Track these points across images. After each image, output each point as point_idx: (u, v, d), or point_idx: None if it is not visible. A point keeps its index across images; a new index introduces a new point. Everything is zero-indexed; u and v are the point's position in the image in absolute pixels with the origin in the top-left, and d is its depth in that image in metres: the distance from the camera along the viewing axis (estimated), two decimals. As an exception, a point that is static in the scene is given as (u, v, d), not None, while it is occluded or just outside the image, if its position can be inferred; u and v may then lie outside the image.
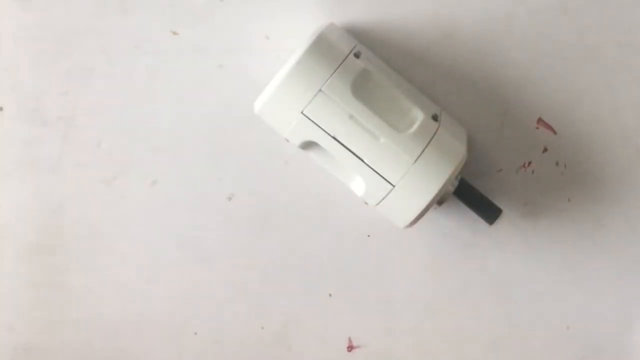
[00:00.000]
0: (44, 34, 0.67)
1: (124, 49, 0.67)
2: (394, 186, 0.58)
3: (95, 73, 0.67)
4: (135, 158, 0.68)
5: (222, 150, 0.68)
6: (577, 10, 0.66)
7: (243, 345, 0.71)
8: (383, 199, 0.59)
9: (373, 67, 0.60)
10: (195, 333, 0.70)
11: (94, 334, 0.71)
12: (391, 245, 0.69)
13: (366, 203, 0.60)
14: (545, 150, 0.68)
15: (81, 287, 0.70)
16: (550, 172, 0.68)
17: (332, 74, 0.57)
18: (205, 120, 0.68)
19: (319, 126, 0.58)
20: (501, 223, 0.68)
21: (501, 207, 0.66)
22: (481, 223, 0.66)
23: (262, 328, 0.70)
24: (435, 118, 0.61)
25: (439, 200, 0.62)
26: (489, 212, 0.65)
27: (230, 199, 0.69)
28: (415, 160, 0.58)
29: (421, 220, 0.60)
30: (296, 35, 0.65)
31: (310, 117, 0.57)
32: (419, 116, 0.60)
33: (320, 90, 0.57)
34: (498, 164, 0.68)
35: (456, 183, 0.64)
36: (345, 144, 0.58)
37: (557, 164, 0.68)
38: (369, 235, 0.69)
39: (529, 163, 0.68)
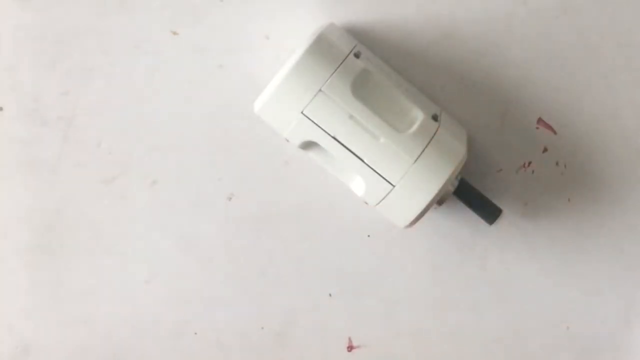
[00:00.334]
0: (44, 34, 0.67)
1: (124, 49, 0.67)
2: (394, 186, 0.58)
3: (95, 73, 0.67)
4: (135, 158, 0.68)
5: (222, 150, 0.68)
6: (577, 10, 0.66)
7: (243, 345, 0.71)
8: (383, 199, 0.59)
9: (373, 67, 0.60)
10: (195, 333, 0.70)
11: (94, 334, 0.70)
12: (391, 245, 0.69)
13: (366, 203, 0.60)
14: (545, 150, 0.68)
15: (81, 287, 0.70)
16: (550, 172, 0.68)
17: (332, 74, 0.57)
18: (205, 120, 0.68)
19: (319, 126, 0.58)
20: (501, 223, 0.68)
21: (501, 207, 0.66)
22: (481, 223, 0.66)
23: (262, 328, 0.70)
24: (435, 118, 0.61)
25: (439, 200, 0.62)
26: (489, 212, 0.65)
27: (230, 199, 0.69)
28: (415, 160, 0.58)
29: (421, 220, 0.60)
30: (296, 35, 0.65)
31: (310, 117, 0.57)
32: (419, 116, 0.60)
33: (320, 90, 0.57)
34: (498, 164, 0.68)
35: (456, 183, 0.64)
36: (345, 144, 0.58)
37: (557, 164, 0.68)
38: (369, 235, 0.69)
39: (529, 163, 0.68)
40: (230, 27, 0.66)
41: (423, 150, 0.58)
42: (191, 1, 0.66)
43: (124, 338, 0.71)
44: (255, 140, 0.67)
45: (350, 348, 0.70)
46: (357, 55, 0.60)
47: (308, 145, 0.59)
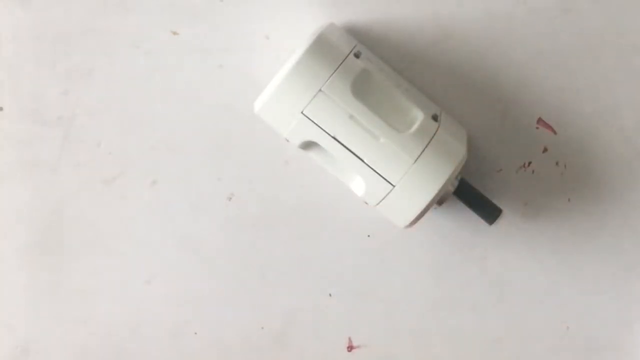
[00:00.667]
0: (44, 34, 0.67)
1: (124, 49, 0.67)
2: (394, 186, 0.58)
3: (95, 73, 0.67)
4: (135, 158, 0.68)
5: (222, 150, 0.68)
6: (577, 10, 0.66)
7: (243, 345, 0.71)
8: (383, 199, 0.59)
9: (373, 67, 0.60)
10: (195, 333, 0.70)
11: (94, 334, 0.70)
12: (391, 245, 0.69)
13: (366, 203, 0.60)
14: (545, 150, 0.68)
15: (81, 287, 0.70)
16: (550, 172, 0.68)
17: (332, 74, 0.57)
18: (205, 120, 0.68)
19: (319, 126, 0.58)
20: (501, 223, 0.68)
21: (501, 207, 0.66)
22: (481, 223, 0.66)
23: (262, 328, 0.70)
24: (435, 118, 0.61)
25: (439, 200, 0.62)
26: (489, 212, 0.65)
27: (230, 199, 0.69)
28: (415, 160, 0.58)
29: (421, 220, 0.60)
30: (296, 35, 0.65)
31: (310, 117, 0.57)
32: (419, 116, 0.60)
33: (320, 90, 0.57)
34: (498, 164, 0.68)
35: (456, 183, 0.64)
36: (345, 144, 0.58)
37: (557, 164, 0.68)
38: (369, 235, 0.69)
39: (529, 163, 0.68)
40: (230, 27, 0.66)
41: (423, 150, 0.58)
42: (191, 1, 0.66)
43: (124, 338, 0.71)
44: (255, 140, 0.67)
45: (350, 348, 0.70)
46: (357, 55, 0.60)
47: (308, 145, 0.59)
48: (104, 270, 0.70)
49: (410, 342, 0.70)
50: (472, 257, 0.69)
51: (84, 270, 0.70)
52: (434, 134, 0.59)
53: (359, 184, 0.59)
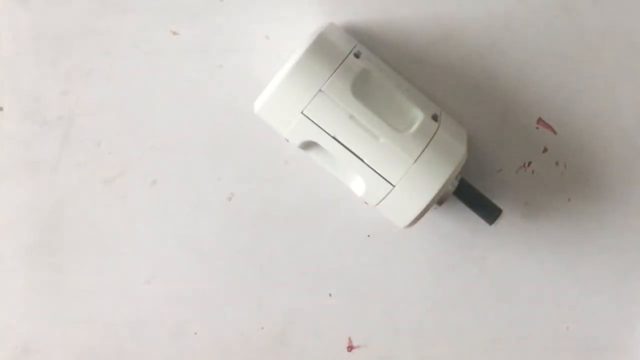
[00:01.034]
0: (44, 34, 0.67)
1: (124, 49, 0.67)
2: (394, 186, 0.58)
3: (95, 73, 0.67)
4: (135, 158, 0.68)
5: (222, 150, 0.68)
6: (577, 10, 0.66)
7: (243, 345, 0.71)
8: (383, 199, 0.59)
9: (373, 67, 0.60)
10: (195, 333, 0.70)
11: (94, 334, 0.71)
12: (391, 245, 0.69)
13: (366, 203, 0.60)
14: (545, 150, 0.68)
15: (81, 287, 0.70)
16: (550, 172, 0.68)
17: (332, 74, 0.57)
18: (205, 120, 0.68)
19: (319, 126, 0.58)
20: (501, 223, 0.68)
21: (501, 207, 0.66)
22: (481, 223, 0.66)
23: (262, 328, 0.70)
24: (435, 118, 0.61)
25: (439, 200, 0.62)
26: (489, 212, 0.65)
27: (230, 199, 0.69)
28: (415, 160, 0.58)
29: (421, 220, 0.60)
30: (296, 35, 0.65)
31: (310, 117, 0.57)
32: (419, 116, 0.60)
33: (320, 90, 0.57)
34: (498, 164, 0.68)
35: (456, 183, 0.64)
36: (345, 144, 0.58)
37: (557, 164, 0.68)
38: (369, 235, 0.69)
39: (529, 163, 0.68)
40: (230, 27, 0.66)
41: (423, 150, 0.58)
42: (191, 1, 0.66)
43: (124, 338, 0.71)
44: (255, 140, 0.68)
45: (350, 348, 0.70)
46: (357, 55, 0.60)
47: (308, 145, 0.59)
48: (104, 270, 0.70)
49: (410, 342, 0.70)
50: (472, 257, 0.69)
51: (84, 270, 0.70)
52: (434, 134, 0.59)
53: (359, 184, 0.59)
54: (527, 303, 0.70)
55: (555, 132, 0.68)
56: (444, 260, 0.69)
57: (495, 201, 0.66)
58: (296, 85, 0.57)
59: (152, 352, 0.71)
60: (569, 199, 0.68)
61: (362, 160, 0.58)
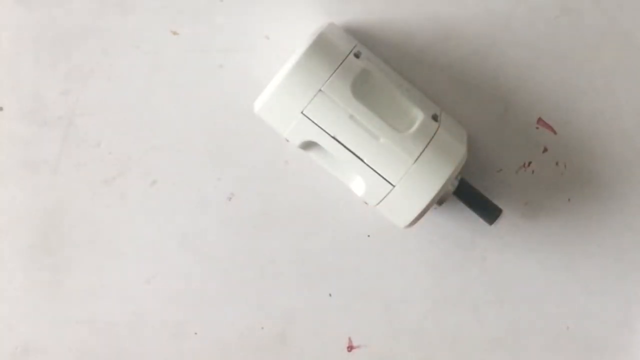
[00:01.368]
0: (44, 34, 0.67)
1: (124, 49, 0.67)
2: (394, 186, 0.58)
3: (95, 73, 0.67)
4: (135, 158, 0.68)
5: (222, 150, 0.68)
6: (577, 10, 0.66)
7: (243, 345, 0.71)
8: (383, 199, 0.59)
9: (373, 67, 0.60)
10: (195, 333, 0.70)
11: (94, 334, 0.70)
12: (391, 245, 0.69)
13: (366, 203, 0.60)
14: (545, 150, 0.68)
15: (81, 287, 0.70)
16: (550, 172, 0.68)
17: (332, 74, 0.57)
18: (205, 120, 0.68)
19: (319, 126, 0.58)
20: (501, 223, 0.68)
21: (501, 207, 0.66)
22: (481, 223, 0.66)
23: (262, 328, 0.70)
24: (435, 118, 0.61)
25: (439, 200, 0.62)
26: (489, 212, 0.65)
27: (230, 199, 0.69)
28: (415, 160, 0.58)
29: (421, 220, 0.60)
30: (296, 35, 0.65)
31: (310, 117, 0.57)
32: (419, 116, 0.60)
33: (320, 90, 0.57)
34: (498, 164, 0.68)
35: (456, 183, 0.64)
36: (345, 144, 0.58)
37: (557, 164, 0.68)
38: (369, 235, 0.69)
39: (529, 163, 0.68)
40: (230, 27, 0.66)
41: (423, 150, 0.58)
42: (191, 1, 0.66)
43: (124, 338, 0.71)
44: (255, 140, 0.67)
45: (350, 348, 0.70)
46: (357, 55, 0.60)
47: (308, 145, 0.59)
48: (104, 270, 0.70)
49: (410, 342, 0.70)
50: (472, 257, 0.69)
51: (84, 270, 0.70)
52: (434, 134, 0.59)
53: (359, 184, 0.59)
54: (527, 303, 0.70)
55: (555, 132, 0.68)
56: (444, 260, 0.69)
57: (495, 201, 0.66)
58: (296, 85, 0.57)
59: (152, 352, 0.71)
60: (569, 199, 0.68)
61: (362, 160, 0.58)
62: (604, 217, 0.69)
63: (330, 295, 0.70)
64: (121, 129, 0.68)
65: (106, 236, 0.69)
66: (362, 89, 0.58)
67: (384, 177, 0.58)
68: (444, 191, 0.60)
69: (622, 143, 0.68)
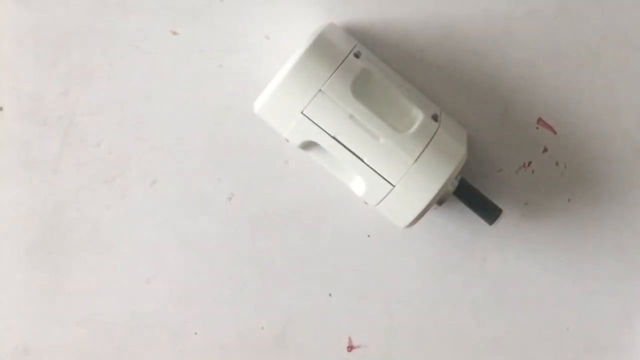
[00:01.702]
0: (44, 34, 0.67)
1: (124, 49, 0.67)
2: (394, 186, 0.58)
3: (95, 73, 0.67)
4: (135, 158, 0.68)
5: (222, 150, 0.68)
6: (577, 10, 0.66)
7: (243, 345, 0.71)
8: (383, 199, 0.59)
9: (373, 67, 0.60)
10: (195, 333, 0.70)
11: (94, 334, 0.70)
12: (391, 245, 0.69)
13: (366, 203, 0.60)
14: (545, 150, 0.68)
15: (81, 287, 0.70)
16: (550, 172, 0.68)
17: (332, 74, 0.57)
18: (205, 120, 0.68)
19: (319, 126, 0.58)
20: (501, 223, 0.68)
21: (501, 207, 0.66)
22: (481, 223, 0.66)
23: (262, 328, 0.70)
24: (435, 118, 0.61)
25: (439, 200, 0.62)
26: (489, 212, 0.65)
27: (230, 199, 0.69)
28: (415, 160, 0.58)
29: (421, 220, 0.60)
30: (296, 35, 0.65)
31: (310, 117, 0.57)
32: (419, 116, 0.60)
33: (320, 90, 0.57)
34: (498, 164, 0.68)
35: (456, 183, 0.64)
36: (345, 144, 0.58)
37: (557, 164, 0.68)
38: (369, 235, 0.69)
39: (529, 163, 0.68)
40: (230, 27, 0.66)
41: (423, 150, 0.58)
42: (191, 1, 0.66)
43: (124, 338, 0.71)
44: (255, 140, 0.68)
45: (350, 348, 0.70)
46: (357, 55, 0.60)
47: (308, 145, 0.59)
48: (104, 270, 0.70)
49: (410, 342, 0.70)
50: (472, 257, 0.69)
51: (84, 270, 0.70)
52: (434, 134, 0.59)
53: (359, 184, 0.59)
54: (527, 303, 0.70)
55: (555, 132, 0.68)
56: (444, 260, 0.69)
57: (495, 201, 0.66)
58: (296, 85, 0.57)
59: (152, 352, 0.71)
60: (569, 199, 0.68)
61: (362, 160, 0.58)
62: (604, 217, 0.69)
63: (330, 295, 0.70)
64: (121, 129, 0.68)
65: (106, 236, 0.69)
66: (362, 89, 0.58)
67: (384, 177, 0.58)
68: (444, 191, 0.60)
69: (622, 143, 0.68)
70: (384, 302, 0.70)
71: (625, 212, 0.68)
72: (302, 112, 0.57)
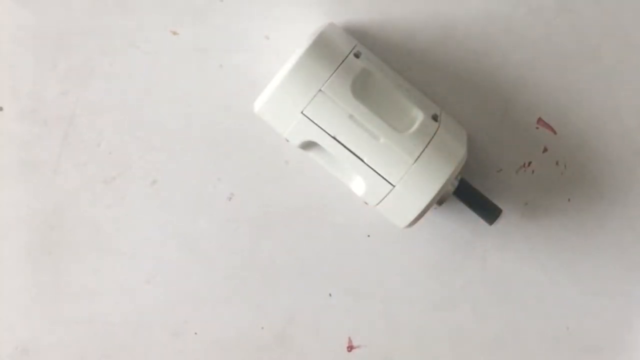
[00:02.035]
0: (44, 34, 0.67)
1: (124, 49, 0.67)
2: (394, 186, 0.58)
3: (95, 73, 0.67)
4: (135, 158, 0.68)
5: (222, 150, 0.68)
6: (577, 10, 0.66)
7: (243, 345, 0.71)
8: (383, 199, 0.59)
9: (373, 67, 0.60)
10: (195, 333, 0.70)
11: (94, 334, 0.71)
12: (391, 245, 0.69)
13: (366, 203, 0.60)
14: (545, 150, 0.68)
15: (81, 287, 0.70)
16: (550, 172, 0.68)
17: (332, 74, 0.57)
18: (205, 120, 0.68)
19: (319, 126, 0.58)
20: (501, 223, 0.68)
21: (501, 207, 0.66)
22: (481, 223, 0.66)
23: (262, 328, 0.70)
24: (435, 118, 0.61)
25: (439, 200, 0.62)
26: (489, 212, 0.65)
27: (230, 199, 0.69)
28: (415, 160, 0.58)
29: (421, 220, 0.60)
30: (296, 35, 0.65)
31: (310, 117, 0.57)
32: (419, 116, 0.60)
33: (320, 90, 0.57)
34: (498, 164, 0.68)
35: (456, 183, 0.64)
36: (345, 144, 0.58)
37: (557, 164, 0.68)
38: (369, 235, 0.69)
39: (529, 163, 0.68)
40: (230, 27, 0.66)
41: (423, 151, 0.58)
42: (191, 1, 0.66)
43: (123, 338, 0.71)
44: (255, 140, 0.68)
45: (350, 348, 0.70)
46: (357, 55, 0.60)
47: (308, 145, 0.59)
48: (104, 270, 0.70)
49: (410, 342, 0.70)
50: (472, 257, 0.69)
51: (84, 270, 0.70)
52: (434, 134, 0.59)
53: (359, 184, 0.59)
54: (527, 303, 0.70)
55: (555, 132, 0.68)
56: (444, 260, 0.69)
57: (495, 201, 0.66)
58: (296, 85, 0.57)
59: (152, 352, 0.71)
60: (569, 199, 0.68)
61: (362, 160, 0.58)
62: (604, 217, 0.69)
63: (330, 295, 0.70)
64: (121, 129, 0.68)
65: (106, 236, 0.69)
66: (362, 89, 0.58)
67: (384, 177, 0.58)
68: (444, 191, 0.60)
69: (622, 143, 0.68)
70: (384, 302, 0.70)
71: (625, 212, 0.68)
72: (302, 112, 0.57)
